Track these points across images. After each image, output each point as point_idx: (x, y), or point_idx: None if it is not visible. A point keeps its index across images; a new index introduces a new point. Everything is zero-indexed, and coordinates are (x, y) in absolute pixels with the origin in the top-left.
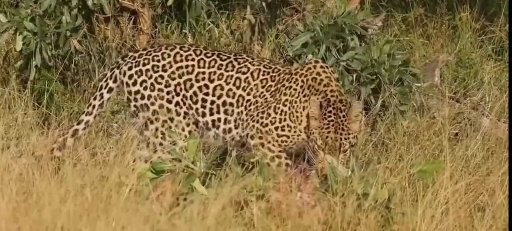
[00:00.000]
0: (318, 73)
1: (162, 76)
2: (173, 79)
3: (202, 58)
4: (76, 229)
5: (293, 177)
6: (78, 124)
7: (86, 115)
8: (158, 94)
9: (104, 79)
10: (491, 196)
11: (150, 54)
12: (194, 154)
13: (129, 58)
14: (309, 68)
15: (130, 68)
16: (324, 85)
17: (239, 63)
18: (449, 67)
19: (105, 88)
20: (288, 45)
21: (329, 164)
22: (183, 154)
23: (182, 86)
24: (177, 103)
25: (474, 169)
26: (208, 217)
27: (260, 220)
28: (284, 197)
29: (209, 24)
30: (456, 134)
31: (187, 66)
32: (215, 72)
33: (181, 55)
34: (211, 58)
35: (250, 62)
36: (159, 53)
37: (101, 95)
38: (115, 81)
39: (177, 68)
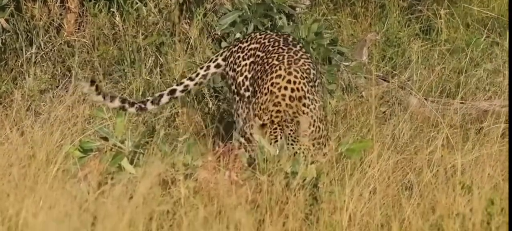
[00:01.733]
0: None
1: None
2: None
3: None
4: (3, 208)
5: (221, 156)
6: (178, 84)
7: (188, 79)
8: None
9: (217, 53)
10: (419, 175)
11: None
12: (122, 132)
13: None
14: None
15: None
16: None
17: None
18: (377, 46)
19: (214, 62)
20: (216, 24)
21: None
22: (110, 133)
23: None
24: None
25: (401, 148)
26: (135, 195)
27: (187, 199)
28: (211, 175)
29: (137, 3)
30: (384, 112)
31: None
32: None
33: None
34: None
35: None
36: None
37: (208, 67)
38: (224, 59)
39: None
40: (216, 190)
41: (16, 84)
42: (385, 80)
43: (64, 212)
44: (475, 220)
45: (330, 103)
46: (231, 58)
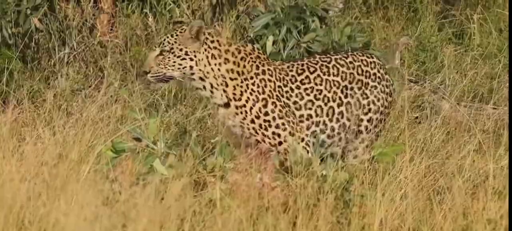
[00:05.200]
0: None
1: None
2: None
3: None
4: (34, 207)
5: (253, 159)
6: None
7: None
8: None
9: None
10: (450, 180)
11: None
12: (154, 133)
13: None
14: None
15: None
16: None
17: None
18: (409, 50)
19: None
20: (249, 26)
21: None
22: (143, 133)
23: None
24: None
25: (433, 152)
26: (167, 197)
27: (221, 200)
28: (243, 178)
29: (170, 4)
30: (416, 117)
31: None
32: None
33: None
34: None
35: None
36: None
37: None
38: None
39: None
40: (248, 192)
41: (49, 84)
42: (416, 83)
43: (95, 212)
44: (506, 226)
45: None
46: None
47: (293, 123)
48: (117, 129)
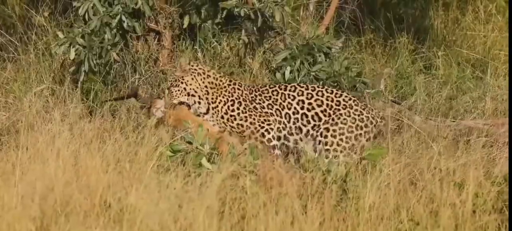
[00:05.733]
0: None
1: None
2: None
3: None
4: (113, 192)
5: (275, 157)
6: None
7: None
8: None
9: None
10: (421, 174)
11: None
12: (202, 138)
13: None
14: None
15: None
16: None
17: None
18: (391, 78)
19: None
20: (272, 59)
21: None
22: (193, 138)
23: None
24: None
25: (409, 154)
26: (212, 186)
27: (251, 188)
28: (269, 171)
29: (214, 43)
30: (396, 128)
31: None
32: None
33: None
34: None
35: None
36: None
37: None
38: None
39: None
40: (271, 182)
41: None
42: (396, 103)
43: (159, 196)
44: (464, 209)
45: None
46: None
47: (255, 118)
48: (174, 134)
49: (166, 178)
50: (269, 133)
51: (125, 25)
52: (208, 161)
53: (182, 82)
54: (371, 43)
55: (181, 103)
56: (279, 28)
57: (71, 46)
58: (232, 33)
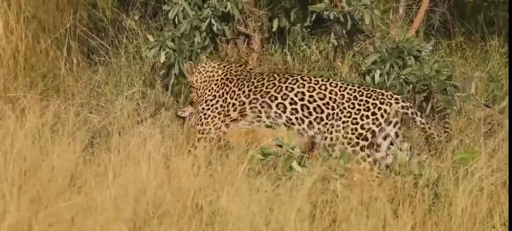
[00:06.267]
0: None
1: None
2: None
3: None
4: (205, 195)
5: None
6: None
7: None
8: None
9: None
10: None
11: None
12: (292, 141)
13: None
14: None
15: None
16: None
17: None
18: (482, 81)
19: None
20: (362, 63)
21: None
22: (284, 141)
23: None
24: None
25: (501, 157)
26: (302, 189)
27: (342, 191)
28: (362, 176)
29: (303, 46)
30: (487, 131)
31: None
32: None
33: None
34: None
35: None
36: None
37: None
38: None
39: None
40: (361, 186)
41: None
42: (487, 107)
43: (250, 200)
44: None
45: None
46: None
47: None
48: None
49: (257, 181)
50: None
51: (214, 28)
52: (299, 164)
53: (193, 87)
54: (462, 46)
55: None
56: (369, 31)
57: (161, 50)
58: (321, 37)
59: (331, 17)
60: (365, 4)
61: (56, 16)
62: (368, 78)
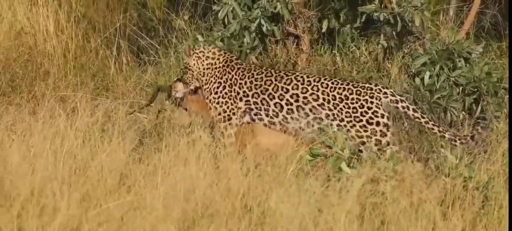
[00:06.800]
0: None
1: None
2: None
3: None
4: (254, 196)
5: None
6: None
7: None
8: None
9: None
10: None
11: None
12: (341, 143)
13: None
14: None
15: None
16: None
17: None
18: None
19: None
20: (411, 64)
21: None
22: (333, 142)
23: None
24: None
25: None
26: (352, 190)
27: (391, 193)
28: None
29: (352, 47)
30: None
31: None
32: None
33: None
34: None
35: None
36: None
37: None
38: None
39: None
40: (411, 188)
41: None
42: None
43: (299, 201)
44: None
45: (496, 126)
46: None
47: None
48: (313, 138)
49: (306, 182)
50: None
51: (264, 29)
52: (348, 165)
53: (189, 69)
54: None
55: (196, 88)
56: (419, 33)
57: None
58: (371, 38)
59: (381, 19)
60: (416, 5)
61: (106, 15)
62: (417, 80)
